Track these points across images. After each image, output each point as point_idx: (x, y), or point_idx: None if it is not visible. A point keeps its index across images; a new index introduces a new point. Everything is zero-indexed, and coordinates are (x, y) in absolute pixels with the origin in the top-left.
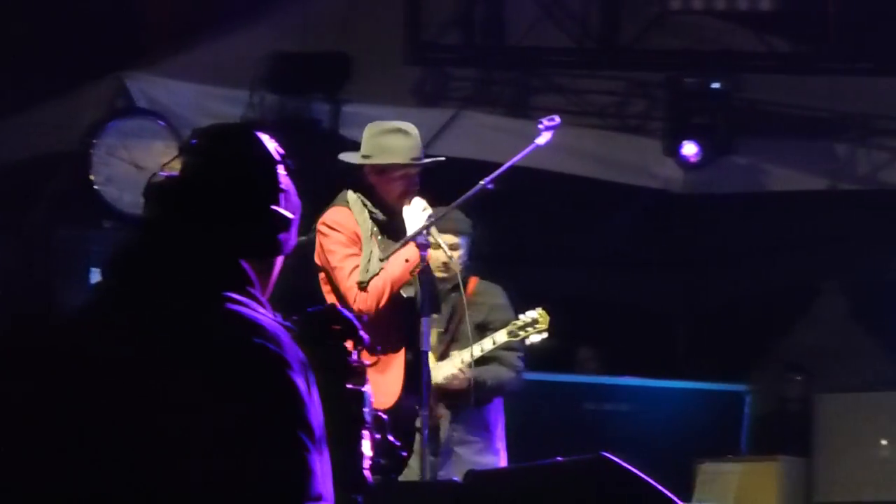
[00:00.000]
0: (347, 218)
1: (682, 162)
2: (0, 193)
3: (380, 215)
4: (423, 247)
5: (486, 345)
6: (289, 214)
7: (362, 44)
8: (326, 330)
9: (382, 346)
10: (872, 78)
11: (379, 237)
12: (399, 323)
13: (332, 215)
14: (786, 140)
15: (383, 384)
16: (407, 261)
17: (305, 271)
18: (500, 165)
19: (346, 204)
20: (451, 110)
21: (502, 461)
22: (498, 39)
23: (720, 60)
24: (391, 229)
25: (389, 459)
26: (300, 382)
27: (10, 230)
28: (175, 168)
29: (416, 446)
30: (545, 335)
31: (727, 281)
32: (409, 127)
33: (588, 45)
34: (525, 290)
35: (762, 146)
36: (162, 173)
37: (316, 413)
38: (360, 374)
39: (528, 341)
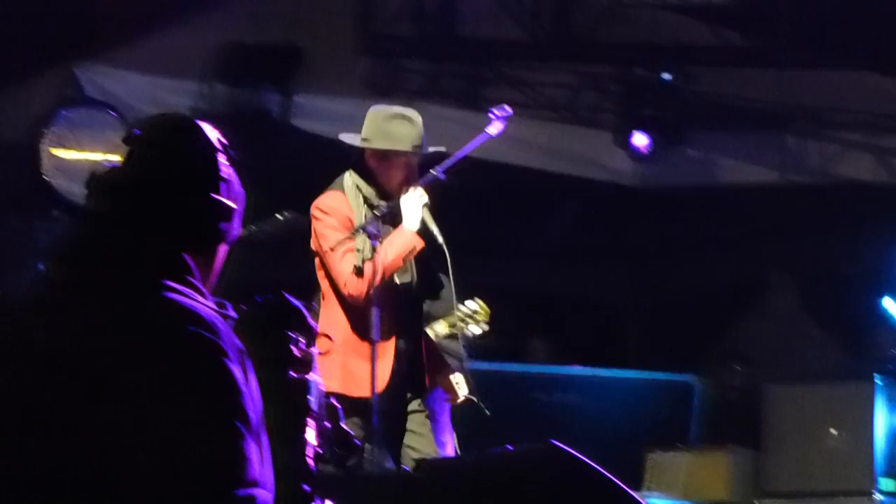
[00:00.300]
0: (341, 203)
1: (633, 154)
2: None
3: (375, 201)
4: (373, 236)
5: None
6: (231, 204)
7: (314, 35)
8: (272, 319)
9: (371, 335)
10: (823, 71)
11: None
12: (391, 310)
13: (326, 200)
14: (736, 132)
15: (371, 373)
16: (402, 248)
17: (258, 261)
18: (450, 156)
19: (342, 189)
20: (402, 101)
21: (449, 452)
22: (450, 31)
23: (672, 53)
24: (387, 216)
25: (342, 448)
26: (236, 370)
27: None
28: (119, 159)
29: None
30: (486, 327)
31: (677, 272)
32: (412, 114)
33: (540, 37)
34: (475, 281)
35: (713, 138)
36: (106, 164)
37: (252, 401)
38: (305, 363)
39: (468, 333)
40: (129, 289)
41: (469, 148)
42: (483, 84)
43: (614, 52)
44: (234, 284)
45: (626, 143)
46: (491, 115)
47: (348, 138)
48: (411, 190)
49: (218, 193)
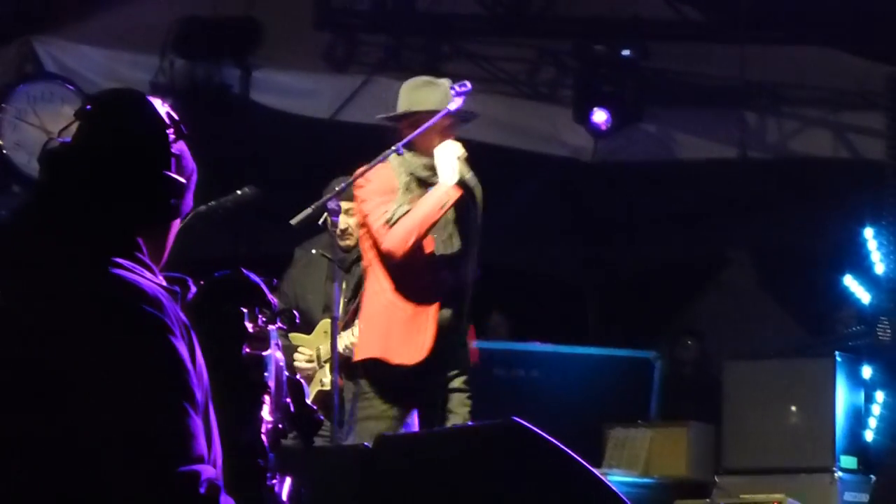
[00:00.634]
0: (383, 169)
1: (593, 129)
2: None
3: (420, 172)
4: (333, 212)
5: None
6: (181, 179)
7: (272, 9)
8: (227, 295)
9: (414, 299)
10: (782, 46)
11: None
12: (430, 276)
13: (369, 171)
14: (695, 108)
15: (413, 338)
16: (439, 200)
17: (218, 236)
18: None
19: (387, 162)
20: (361, 76)
21: (413, 429)
22: (408, 5)
23: (630, 28)
24: (433, 185)
25: (306, 425)
26: (181, 347)
27: None
28: (71, 134)
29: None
30: None
31: (637, 249)
32: (439, 80)
33: (498, 12)
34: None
35: (672, 114)
36: (58, 139)
37: (198, 377)
38: (261, 339)
39: None
40: (73, 264)
41: (429, 124)
42: (442, 59)
43: (573, 28)
44: (194, 260)
45: (585, 119)
46: (451, 91)
47: (381, 118)
48: (444, 144)
49: (168, 169)
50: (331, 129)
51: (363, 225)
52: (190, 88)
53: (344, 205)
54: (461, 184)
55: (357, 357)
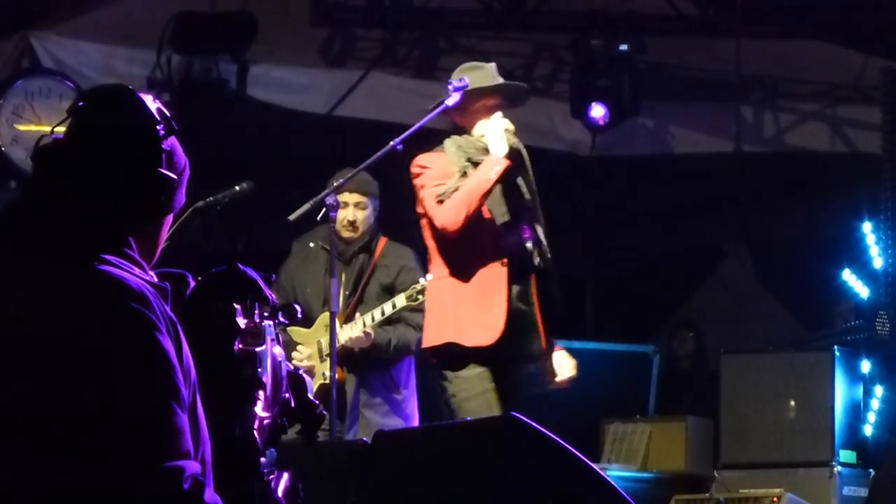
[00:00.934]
0: (440, 157)
1: (590, 124)
2: None
3: (477, 155)
4: (332, 207)
5: (387, 308)
6: (171, 175)
7: (269, 4)
8: (219, 291)
9: (479, 279)
10: (779, 41)
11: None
12: (494, 254)
13: (423, 157)
14: (692, 102)
15: (484, 318)
16: (488, 170)
17: (215, 231)
18: (406, 126)
19: (442, 148)
20: (358, 71)
21: (414, 423)
22: (405, 0)
23: (627, 22)
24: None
25: (308, 420)
26: (167, 343)
27: None
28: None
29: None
30: None
31: (634, 242)
32: (484, 63)
33: (495, 7)
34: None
35: (669, 109)
36: (52, 136)
37: (185, 373)
38: (255, 335)
39: (424, 306)
40: (60, 260)
41: (427, 119)
42: (438, 54)
43: (570, 22)
44: (192, 255)
45: (582, 114)
46: (449, 87)
47: (431, 108)
48: (490, 119)
49: (158, 165)
50: (327, 125)
51: (423, 214)
52: (187, 84)
53: (355, 198)
54: (511, 155)
55: (428, 344)
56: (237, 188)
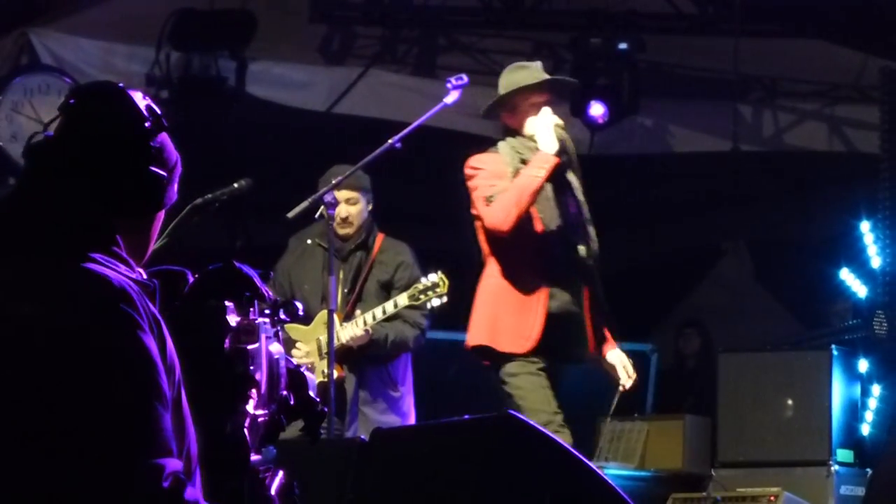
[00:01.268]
0: (493, 158)
1: (589, 122)
2: None
3: (529, 156)
4: (330, 205)
5: (388, 307)
6: (160, 172)
7: (268, 1)
8: (216, 288)
9: (522, 283)
10: (777, 40)
11: None
12: (539, 259)
13: (476, 158)
14: (691, 101)
15: (519, 327)
16: (538, 168)
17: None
18: (405, 124)
19: (496, 149)
20: (357, 69)
21: (411, 421)
22: None
23: (626, 21)
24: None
25: (308, 417)
26: (149, 341)
27: None
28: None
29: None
30: (444, 299)
31: (632, 241)
32: (531, 63)
33: (494, 5)
34: (431, 249)
35: (667, 107)
36: (45, 133)
37: (169, 370)
38: (248, 333)
39: (428, 305)
40: (45, 258)
41: (425, 117)
42: (437, 52)
43: (569, 21)
44: (189, 252)
45: (581, 112)
46: (448, 85)
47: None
48: (538, 115)
49: (147, 162)
50: (326, 122)
51: (477, 216)
52: (186, 81)
53: (346, 194)
54: (561, 153)
55: (469, 342)
56: (236, 185)
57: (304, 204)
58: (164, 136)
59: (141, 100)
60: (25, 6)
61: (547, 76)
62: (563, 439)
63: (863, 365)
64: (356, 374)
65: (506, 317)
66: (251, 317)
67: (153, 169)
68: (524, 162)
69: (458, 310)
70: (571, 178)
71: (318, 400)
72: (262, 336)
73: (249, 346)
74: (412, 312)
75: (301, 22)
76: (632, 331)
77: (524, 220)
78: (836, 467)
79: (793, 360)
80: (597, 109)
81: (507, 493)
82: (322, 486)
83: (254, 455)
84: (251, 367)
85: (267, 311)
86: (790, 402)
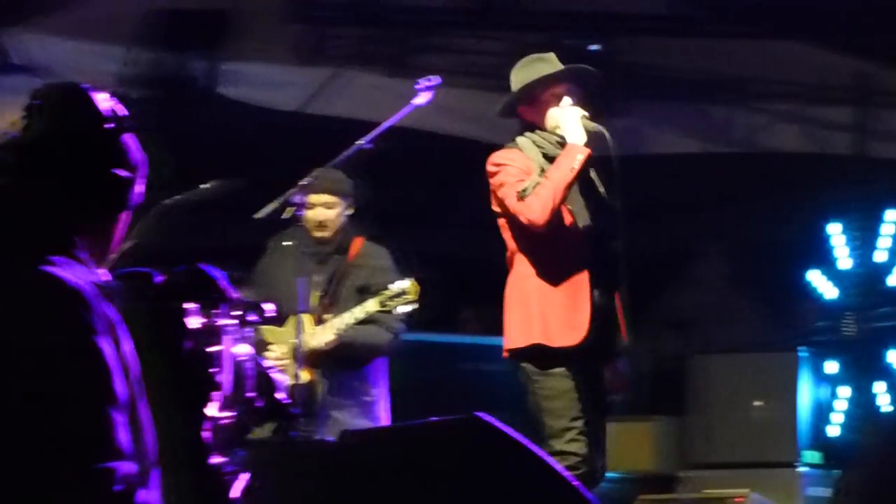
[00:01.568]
0: (516, 154)
1: None
2: None
3: (551, 150)
4: (299, 206)
5: (358, 312)
6: (123, 173)
7: (241, 0)
8: (178, 291)
9: (564, 278)
10: (750, 41)
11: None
12: (575, 252)
13: (499, 154)
14: (663, 103)
15: (571, 318)
16: (569, 161)
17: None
18: (379, 125)
19: (516, 145)
20: (330, 69)
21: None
22: None
23: (599, 22)
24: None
25: (278, 419)
26: (104, 345)
27: None
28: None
29: None
30: (415, 306)
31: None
32: (547, 55)
33: (468, 5)
34: (406, 250)
35: (640, 109)
36: (10, 134)
37: (123, 372)
38: (210, 335)
39: (396, 311)
40: (3, 260)
41: (396, 118)
42: (411, 51)
43: (543, 21)
44: (156, 254)
45: None
46: (417, 86)
47: (499, 108)
48: (561, 106)
49: (108, 163)
50: (299, 122)
51: (501, 214)
52: (157, 80)
53: (324, 198)
54: (589, 143)
55: (513, 345)
56: (206, 186)
57: (273, 204)
58: (129, 137)
59: (105, 100)
60: None
61: (557, 66)
62: (577, 447)
63: (831, 366)
64: (328, 378)
65: (554, 312)
66: (216, 319)
67: (115, 170)
68: (545, 156)
69: (430, 311)
70: (593, 174)
71: (288, 402)
72: (228, 338)
73: (212, 349)
74: (387, 316)
75: (274, 21)
76: None
77: (559, 216)
78: (803, 468)
79: (761, 362)
80: None
81: (474, 494)
82: (290, 488)
83: (218, 457)
84: (214, 370)
85: (236, 313)
86: (759, 403)
